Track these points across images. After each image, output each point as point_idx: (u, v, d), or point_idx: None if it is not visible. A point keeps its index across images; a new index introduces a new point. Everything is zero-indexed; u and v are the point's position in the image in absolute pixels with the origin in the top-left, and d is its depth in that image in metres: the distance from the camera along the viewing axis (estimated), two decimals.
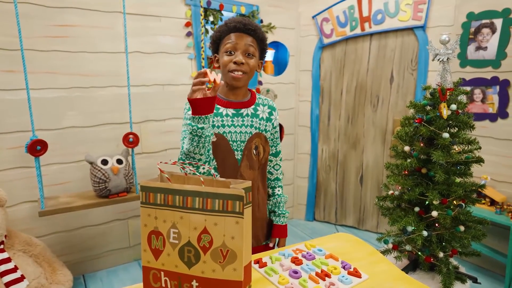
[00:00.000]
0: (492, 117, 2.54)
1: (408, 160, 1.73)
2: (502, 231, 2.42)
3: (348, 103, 3.24)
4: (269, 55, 3.28)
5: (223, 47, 1.22)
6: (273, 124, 1.34)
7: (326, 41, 3.19)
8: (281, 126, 3.39)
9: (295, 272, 1.05)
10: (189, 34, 2.74)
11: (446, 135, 1.58)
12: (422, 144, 1.69)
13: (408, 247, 1.69)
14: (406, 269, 1.78)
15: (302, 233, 3.28)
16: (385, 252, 1.81)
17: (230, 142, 1.25)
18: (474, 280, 1.76)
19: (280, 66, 3.41)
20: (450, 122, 1.67)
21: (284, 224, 1.40)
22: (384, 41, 2.99)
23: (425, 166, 1.71)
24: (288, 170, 3.53)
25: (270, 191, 1.43)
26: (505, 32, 2.43)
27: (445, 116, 1.59)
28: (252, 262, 1.11)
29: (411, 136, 1.73)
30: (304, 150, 3.50)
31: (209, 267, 0.87)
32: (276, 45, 3.31)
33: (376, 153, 3.17)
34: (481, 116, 2.60)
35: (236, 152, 1.26)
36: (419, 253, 1.71)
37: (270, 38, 3.20)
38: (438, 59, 1.66)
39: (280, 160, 1.43)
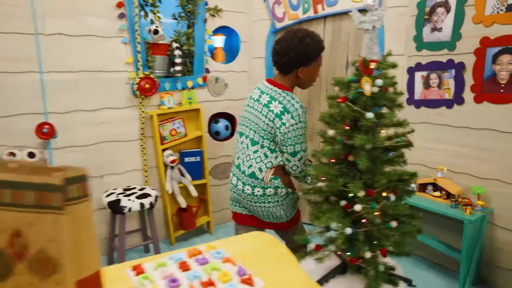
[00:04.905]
0: (448, 104, 2.33)
1: (335, 146, 1.51)
2: (457, 225, 2.19)
3: (303, 91, 3.01)
4: (220, 41, 3.05)
5: (319, 62, 1.79)
6: None
7: (278, 25, 2.97)
8: (233, 118, 3.15)
9: (173, 281, 0.91)
10: (122, 16, 2.49)
11: (370, 115, 1.36)
12: (347, 127, 1.46)
13: (331, 247, 1.46)
14: (334, 272, 1.55)
15: None
16: (311, 253, 1.57)
17: None
18: (409, 283, 1.53)
19: (232, 53, 3.18)
20: (380, 101, 1.44)
21: None
22: (338, 24, 2.77)
23: (352, 153, 1.48)
24: None
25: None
26: (459, 11, 2.22)
27: (368, 93, 1.36)
28: (130, 269, 0.95)
29: (336, 118, 1.51)
30: None
31: (25, 280, 0.65)
32: (228, 31, 3.08)
33: None
34: (437, 103, 2.38)
35: None
36: (348, 253, 1.48)
37: (219, 22, 2.97)
38: (363, 28, 1.44)
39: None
